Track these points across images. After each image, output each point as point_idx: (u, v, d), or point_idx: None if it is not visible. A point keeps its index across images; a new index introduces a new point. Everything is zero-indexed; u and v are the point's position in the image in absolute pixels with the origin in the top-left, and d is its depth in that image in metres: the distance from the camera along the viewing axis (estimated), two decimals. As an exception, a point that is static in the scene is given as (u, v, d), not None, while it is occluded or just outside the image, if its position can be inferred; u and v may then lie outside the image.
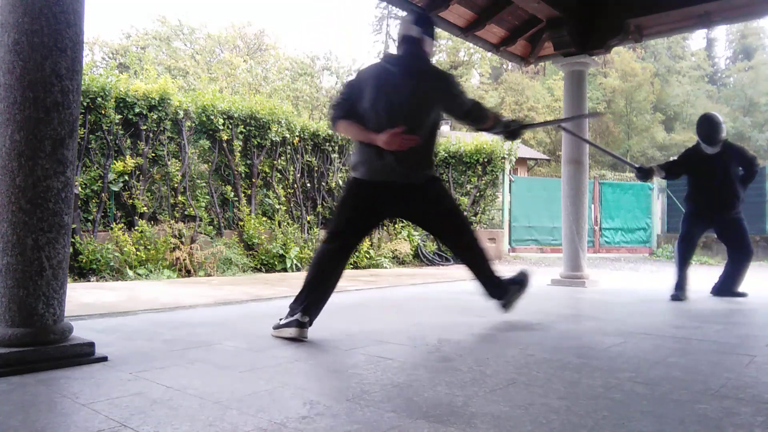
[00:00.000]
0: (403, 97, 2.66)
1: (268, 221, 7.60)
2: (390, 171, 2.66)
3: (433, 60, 3.01)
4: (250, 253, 7.18)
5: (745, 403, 1.63)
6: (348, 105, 2.71)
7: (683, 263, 4.41)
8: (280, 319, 2.64)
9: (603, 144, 31.89)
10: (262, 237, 7.26)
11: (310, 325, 2.58)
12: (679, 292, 4.30)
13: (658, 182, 13.09)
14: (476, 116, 2.89)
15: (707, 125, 4.40)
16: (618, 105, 33.44)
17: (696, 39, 48.30)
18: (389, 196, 2.73)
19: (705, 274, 5.39)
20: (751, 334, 2.83)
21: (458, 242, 3.00)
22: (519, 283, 3.10)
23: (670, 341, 2.60)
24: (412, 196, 2.78)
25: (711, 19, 5.08)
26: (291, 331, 2.53)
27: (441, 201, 2.89)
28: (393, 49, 2.90)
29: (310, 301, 2.60)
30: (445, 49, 38.30)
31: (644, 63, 35.41)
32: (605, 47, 5.40)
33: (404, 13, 3.84)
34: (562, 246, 5.92)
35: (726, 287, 4.53)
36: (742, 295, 4.47)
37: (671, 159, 4.76)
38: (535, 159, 25.71)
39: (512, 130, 3.04)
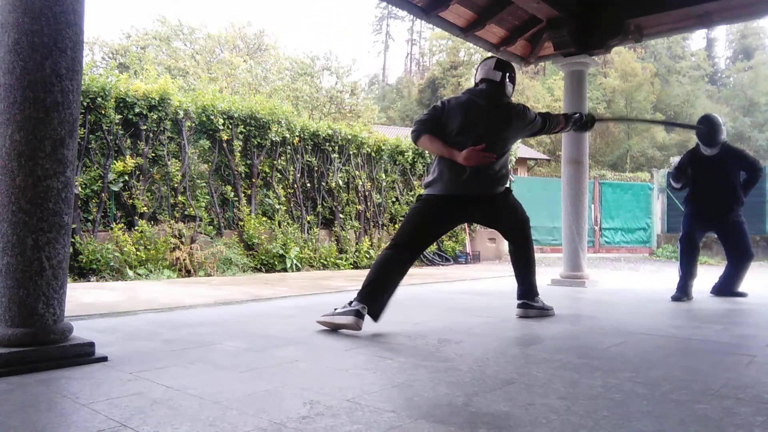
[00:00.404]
0: (487, 126, 2.98)
1: (268, 221, 7.59)
2: (466, 185, 2.94)
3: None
4: (250, 253, 7.18)
5: (745, 403, 1.63)
6: (434, 124, 2.98)
7: (685, 264, 4.39)
8: (335, 309, 2.76)
9: (603, 143, 31.92)
10: (262, 237, 7.26)
11: (376, 320, 2.75)
12: (681, 294, 4.28)
13: (658, 182, 13.09)
14: (550, 128, 3.29)
15: (707, 127, 4.38)
16: (618, 105, 33.43)
17: (696, 39, 48.31)
18: (460, 208, 3.02)
19: (705, 274, 5.39)
20: (751, 334, 2.83)
21: (517, 241, 3.27)
22: (545, 309, 3.36)
23: (670, 341, 2.60)
24: (487, 206, 3.10)
25: (711, 19, 5.08)
26: (348, 319, 2.66)
27: (511, 209, 3.22)
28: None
29: (372, 296, 2.76)
30: (445, 49, 38.33)
31: (645, 63, 35.41)
32: (605, 47, 5.40)
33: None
34: (562, 246, 5.92)
35: (726, 288, 4.53)
36: (742, 295, 4.47)
37: (673, 167, 4.69)
38: (535, 159, 25.70)
39: (584, 123, 3.51)
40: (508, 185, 3.23)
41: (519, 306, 3.30)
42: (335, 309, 2.77)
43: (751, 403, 1.62)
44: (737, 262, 4.49)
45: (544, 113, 3.27)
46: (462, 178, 2.93)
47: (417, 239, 2.97)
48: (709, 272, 5.74)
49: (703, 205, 4.43)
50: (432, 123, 2.99)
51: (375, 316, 2.77)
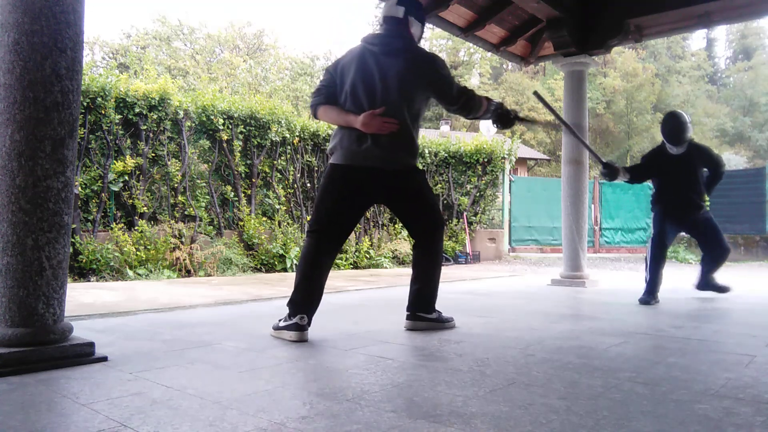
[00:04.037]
0: (383, 77, 2.55)
1: (268, 221, 7.60)
2: (369, 156, 2.55)
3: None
4: (250, 253, 7.19)
5: (745, 403, 1.63)
6: (328, 91, 2.64)
7: (653, 267, 4.25)
8: (279, 320, 2.63)
9: (603, 144, 31.95)
10: (262, 237, 7.26)
11: (309, 325, 2.58)
12: (649, 296, 4.13)
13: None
14: (466, 102, 2.69)
15: (672, 124, 4.23)
16: (618, 105, 33.45)
17: (696, 39, 48.33)
18: (369, 182, 2.62)
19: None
20: (751, 334, 2.83)
21: (423, 239, 2.79)
22: (441, 321, 2.88)
23: (670, 341, 2.60)
24: (392, 183, 2.66)
25: (711, 19, 5.08)
26: (291, 335, 2.52)
27: (420, 193, 2.75)
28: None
29: (306, 301, 2.57)
30: (445, 49, 38.32)
31: (646, 64, 35.42)
32: (605, 47, 5.40)
33: None
34: (562, 246, 5.92)
35: (707, 282, 4.46)
36: (725, 289, 4.41)
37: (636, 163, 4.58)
38: (535, 159, 25.72)
39: (502, 115, 2.78)
40: (418, 164, 2.76)
41: (408, 318, 2.83)
42: (279, 320, 2.61)
43: (751, 403, 1.62)
44: (715, 258, 4.38)
45: (466, 87, 2.72)
46: (362, 146, 2.54)
47: (334, 224, 2.62)
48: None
49: (671, 204, 4.32)
50: (327, 91, 2.63)
51: (309, 323, 2.55)
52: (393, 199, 2.79)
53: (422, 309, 2.82)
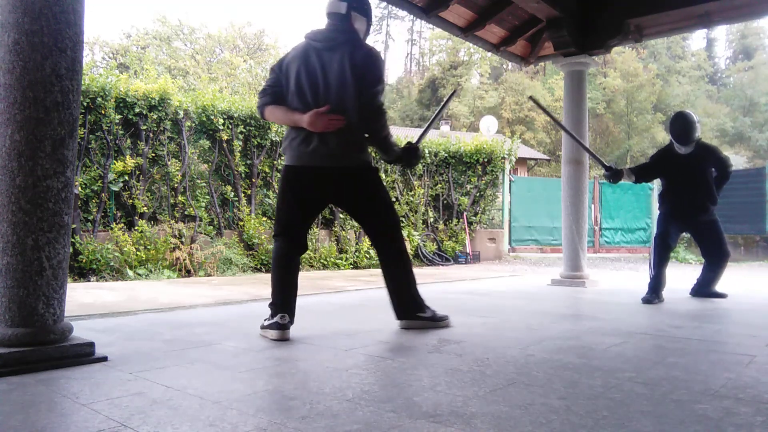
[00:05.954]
0: (326, 72, 2.52)
1: (268, 221, 7.60)
2: (317, 156, 2.54)
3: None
4: (250, 253, 7.19)
5: (745, 403, 1.63)
6: (274, 90, 2.62)
7: (658, 265, 4.24)
8: (265, 320, 2.65)
9: (603, 143, 31.95)
10: (262, 237, 7.26)
11: (292, 323, 2.59)
12: (652, 295, 4.12)
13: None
14: (379, 116, 2.62)
15: (681, 124, 4.21)
16: (618, 105, 33.46)
17: (696, 39, 48.36)
18: (320, 182, 2.61)
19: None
20: (751, 334, 2.83)
21: (383, 240, 2.79)
22: (435, 319, 2.86)
23: (670, 341, 2.60)
24: (344, 182, 2.65)
25: (711, 19, 5.08)
26: (273, 333, 2.54)
27: (373, 192, 2.73)
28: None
29: (284, 301, 2.60)
30: (445, 49, 38.33)
31: (648, 64, 35.40)
32: (605, 47, 5.40)
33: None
34: (562, 246, 5.92)
35: (704, 289, 4.43)
36: (722, 296, 4.36)
37: (643, 162, 4.60)
38: (535, 159, 25.70)
39: (409, 153, 2.80)
40: (371, 161, 2.72)
41: (400, 317, 2.83)
42: (264, 320, 2.63)
43: (751, 403, 1.62)
44: (715, 262, 4.37)
45: (383, 109, 2.66)
46: (310, 146, 2.52)
47: (293, 226, 2.64)
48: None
49: (678, 204, 4.30)
50: (273, 90, 2.62)
51: (291, 321, 2.58)
52: (346, 200, 2.77)
53: (414, 308, 2.82)
